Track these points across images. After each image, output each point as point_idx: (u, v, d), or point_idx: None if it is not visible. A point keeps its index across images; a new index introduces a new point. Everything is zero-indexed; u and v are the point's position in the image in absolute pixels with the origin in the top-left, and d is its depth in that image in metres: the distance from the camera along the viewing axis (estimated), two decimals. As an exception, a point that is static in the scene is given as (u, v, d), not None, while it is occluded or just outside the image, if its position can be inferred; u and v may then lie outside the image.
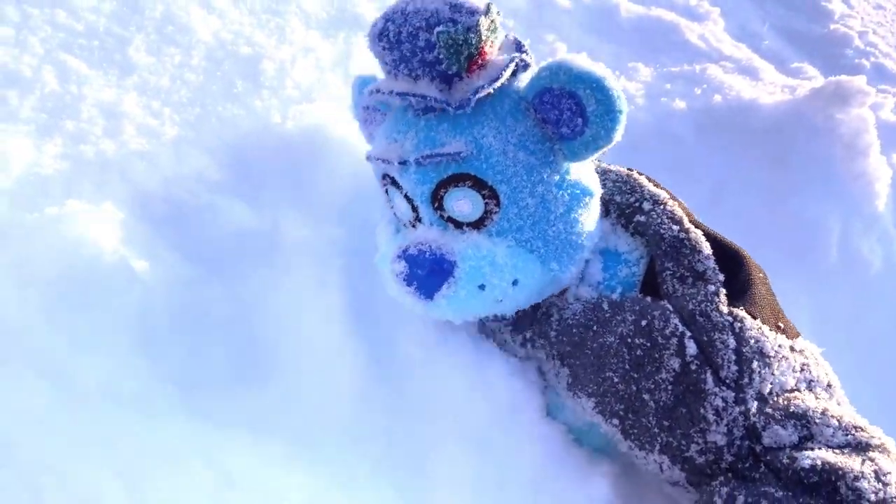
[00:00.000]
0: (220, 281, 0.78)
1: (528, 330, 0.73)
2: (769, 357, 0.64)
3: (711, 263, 0.68)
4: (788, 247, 1.09)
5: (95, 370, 0.64)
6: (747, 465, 0.61)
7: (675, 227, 0.69)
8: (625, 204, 0.73)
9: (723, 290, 0.67)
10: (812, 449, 0.59)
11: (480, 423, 0.73)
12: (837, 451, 0.59)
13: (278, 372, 0.77)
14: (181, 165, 0.81)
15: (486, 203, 0.64)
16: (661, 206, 0.71)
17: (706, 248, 0.68)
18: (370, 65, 1.03)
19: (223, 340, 0.76)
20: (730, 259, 0.70)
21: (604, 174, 0.77)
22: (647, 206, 0.71)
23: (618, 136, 0.61)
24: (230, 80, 0.93)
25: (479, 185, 0.63)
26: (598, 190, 0.69)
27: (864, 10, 1.83)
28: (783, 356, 0.65)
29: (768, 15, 1.55)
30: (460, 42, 0.59)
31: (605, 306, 0.68)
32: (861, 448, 0.60)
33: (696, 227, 0.70)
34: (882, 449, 0.60)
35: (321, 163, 0.86)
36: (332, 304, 0.79)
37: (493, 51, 0.63)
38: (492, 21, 0.60)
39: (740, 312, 0.66)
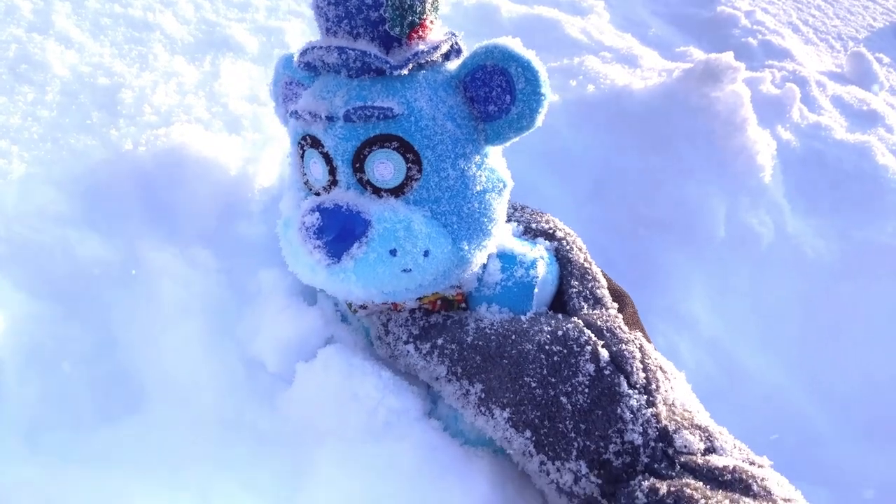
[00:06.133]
0: (76, 316, 0.76)
1: (439, 337, 0.72)
2: (668, 373, 0.68)
3: (608, 293, 0.75)
4: (676, 229, 1.10)
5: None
6: (663, 464, 0.62)
7: (581, 256, 0.78)
8: (539, 230, 0.81)
9: (620, 316, 0.72)
10: (722, 457, 0.62)
11: (354, 439, 0.71)
12: (741, 462, 0.62)
13: (141, 404, 0.75)
14: (25, 203, 0.78)
15: (408, 168, 0.64)
16: (571, 238, 0.80)
17: (603, 281, 0.76)
18: (237, 83, 1.03)
19: (82, 377, 0.74)
20: (615, 297, 0.76)
21: (521, 209, 0.85)
22: (559, 234, 0.80)
23: (540, 119, 0.64)
24: (85, 112, 0.91)
25: (404, 147, 0.63)
26: (510, 183, 0.71)
27: (755, -9, 1.87)
28: (677, 377, 0.69)
29: (655, 3, 1.57)
30: (407, 6, 0.61)
31: (523, 318, 0.71)
32: (757, 465, 0.62)
33: (594, 264, 0.79)
34: (770, 471, 0.62)
35: (179, 186, 0.84)
36: (195, 329, 0.78)
37: (432, 29, 0.65)
38: (435, 0, 0.64)
39: (638, 333, 0.70)
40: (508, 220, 0.83)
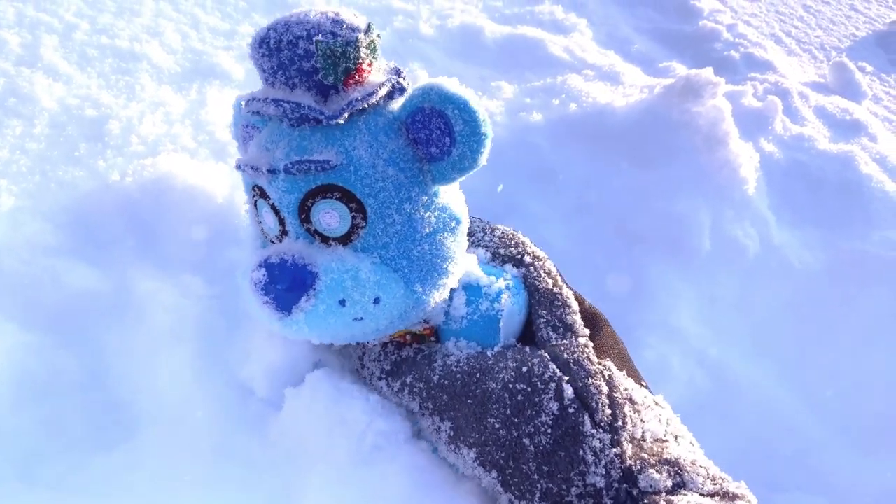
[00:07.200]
0: (67, 345, 0.77)
1: (408, 375, 0.72)
2: (638, 405, 0.67)
3: (579, 319, 0.74)
4: (662, 243, 1.10)
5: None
6: None
7: (550, 282, 0.77)
8: (507, 256, 0.80)
9: (590, 344, 0.72)
10: (686, 495, 0.61)
11: (343, 463, 0.71)
12: (709, 498, 0.61)
13: (134, 431, 0.75)
14: (14, 234, 0.79)
15: (353, 217, 0.64)
16: (540, 262, 0.79)
17: (574, 305, 0.75)
18: (224, 110, 1.04)
19: (75, 406, 0.75)
20: (590, 319, 0.76)
21: (491, 231, 0.84)
22: (527, 259, 0.79)
23: (483, 159, 0.63)
24: (73, 144, 0.92)
25: (346, 197, 0.63)
26: (466, 219, 0.71)
27: (737, 2, 1.89)
28: (650, 406, 0.68)
29: (638, 19, 1.59)
30: (338, 54, 0.60)
31: (489, 354, 0.71)
32: (729, 497, 0.62)
33: (566, 287, 0.77)
34: (746, 500, 0.62)
35: (166, 214, 0.86)
36: (186, 355, 0.78)
37: (371, 70, 0.64)
38: (371, 41, 0.62)
39: (609, 363, 0.70)
40: (477, 244, 0.83)
